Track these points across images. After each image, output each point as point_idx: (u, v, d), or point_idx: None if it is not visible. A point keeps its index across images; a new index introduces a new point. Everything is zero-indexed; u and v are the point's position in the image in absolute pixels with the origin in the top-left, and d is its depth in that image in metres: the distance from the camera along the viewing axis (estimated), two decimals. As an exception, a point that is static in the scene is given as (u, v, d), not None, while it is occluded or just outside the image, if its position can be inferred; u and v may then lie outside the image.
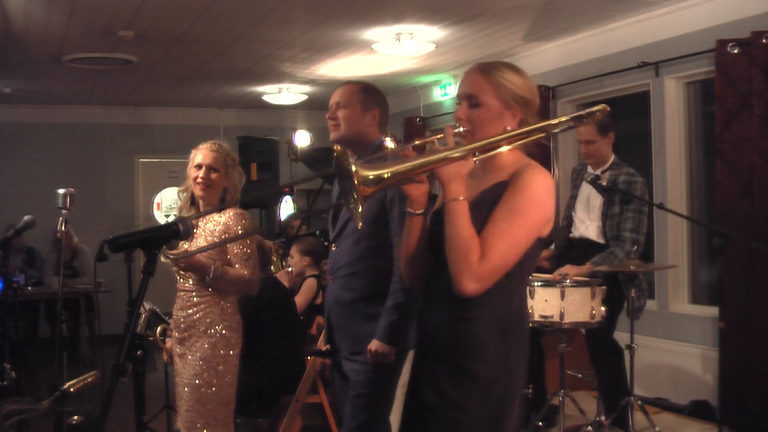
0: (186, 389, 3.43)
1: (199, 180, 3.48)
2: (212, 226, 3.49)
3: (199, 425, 3.39)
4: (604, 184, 4.57)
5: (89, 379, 2.59)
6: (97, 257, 2.23)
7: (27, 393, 5.09)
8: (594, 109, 2.18)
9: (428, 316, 2.13)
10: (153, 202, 10.22)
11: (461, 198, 1.98)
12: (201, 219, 3.53)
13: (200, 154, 3.53)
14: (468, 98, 2.13)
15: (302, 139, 8.63)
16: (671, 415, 5.14)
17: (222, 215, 3.49)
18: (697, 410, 5.10)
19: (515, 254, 2.00)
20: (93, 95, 8.89)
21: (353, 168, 1.91)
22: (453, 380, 2.03)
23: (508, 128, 2.09)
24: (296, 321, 5.02)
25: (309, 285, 5.50)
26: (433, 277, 2.14)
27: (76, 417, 4.66)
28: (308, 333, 5.37)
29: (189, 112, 9.88)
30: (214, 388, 3.40)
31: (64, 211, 4.45)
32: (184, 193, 3.63)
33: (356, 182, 1.91)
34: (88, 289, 7.71)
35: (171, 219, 2.59)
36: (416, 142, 2.08)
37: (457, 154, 1.99)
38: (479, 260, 1.95)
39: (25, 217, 4.49)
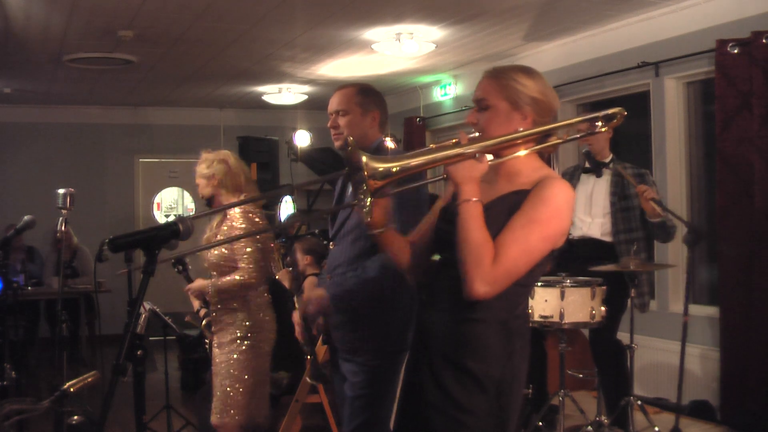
0: None
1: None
2: (223, 226, 3.77)
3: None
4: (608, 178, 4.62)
5: (89, 379, 2.59)
6: (97, 257, 2.23)
7: (27, 393, 5.09)
8: (611, 111, 2.14)
9: (431, 315, 2.13)
10: (153, 202, 10.22)
11: (474, 199, 1.97)
12: (222, 222, 3.80)
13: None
14: (478, 102, 2.14)
15: (302, 139, 8.62)
16: (671, 415, 5.13)
17: (228, 213, 3.77)
18: (697, 410, 5.10)
19: (528, 263, 1.99)
20: (93, 95, 8.88)
21: (363, 159, 1.91)
22: (457, 381, 2.03)
23: (520, 129, 2.07)
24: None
25: (310, 283, 5.49)
26: (438, 276, 2.13)
27: (76, 417, 4.66)
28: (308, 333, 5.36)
29: (189, 112, 9.88)
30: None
31: (64, 211, 4.46)
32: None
33: (366, 174, 1.90)
34: (88, 289, 7.71)
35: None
36: (432, 146, 2.08)
37: (470, 150, 1.98)
38: (492, 264, 1.94)
39: (25, 217, 4.50)
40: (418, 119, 8.54)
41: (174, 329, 4.95)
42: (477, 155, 2.00)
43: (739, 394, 4.85)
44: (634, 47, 5.84)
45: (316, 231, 7.05)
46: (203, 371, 4.10)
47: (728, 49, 4.93)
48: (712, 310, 5.32)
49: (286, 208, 8.74)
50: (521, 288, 2.07)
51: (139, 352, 2.25)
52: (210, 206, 3.88)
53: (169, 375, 5.13)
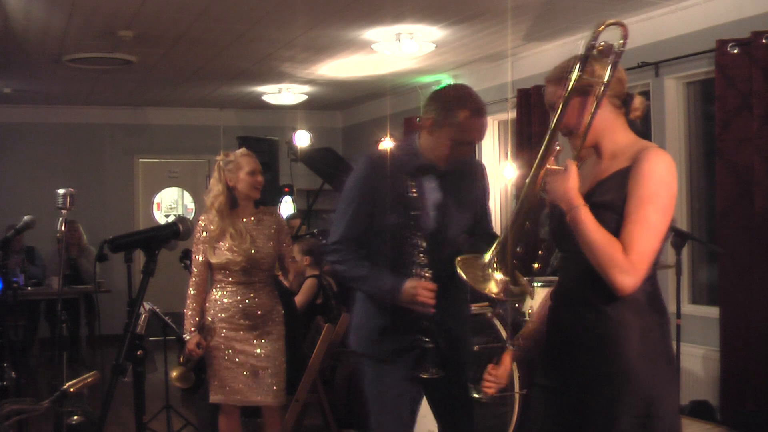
0: None
1: (257, 185, 3.91)
2: (264, 225, 3.92)
3: None
4: None
5: (89, 379, 2.59)
6: (97, 257, 2.23)
7: (27, 393, 5.09)
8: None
9: (562, 310, 2.17)
10: (153, 202, 10.22)
11: (579, 205, 2.03)
12: (243, 220, 3.87)
13: (249, 163, 3.89)
14: (551, 108, 2.22)
15: (302, 139, 8.62)
16: (671, 415, 5.13)
17: (268, 214, 3.98)
18: (697, 410, 5.10)
19: (657, 239, 2.03)
20: (93, 95, 8.89)
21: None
22: (601, 372, 2.06)
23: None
24: (296, 321, 5.02)
25: (309, 285, 5.50)
26: (565, 271, 2.16)
27: (76, 417, 4.66)
28: (308, 333, 5.37)
29: (189, 112, 9.88)
30: None
31: (64, 211, 4.46)
32: (220, 197, 3.86)
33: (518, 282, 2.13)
34: (88, 289, 7.72)
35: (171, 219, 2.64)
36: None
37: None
38: (624, 254, 1.99)
39: (25, 217, 4.50)
40: (418, 119, 8.52)
41: (174, 329, 4.95)
42: (564, 167, 2.06)
43: (739, 394, 4.85)
44: (634, 47, 5.82)
45: (315, 231, 7.05)
46: (203, 371, 4.08)
47: (728, 49, 4.93)
48: (712, 310, 5.31)
49: (286, 208, 8.75)
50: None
51: (139, 352, 2.26)
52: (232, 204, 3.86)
53: (169, 375, 5.13)
